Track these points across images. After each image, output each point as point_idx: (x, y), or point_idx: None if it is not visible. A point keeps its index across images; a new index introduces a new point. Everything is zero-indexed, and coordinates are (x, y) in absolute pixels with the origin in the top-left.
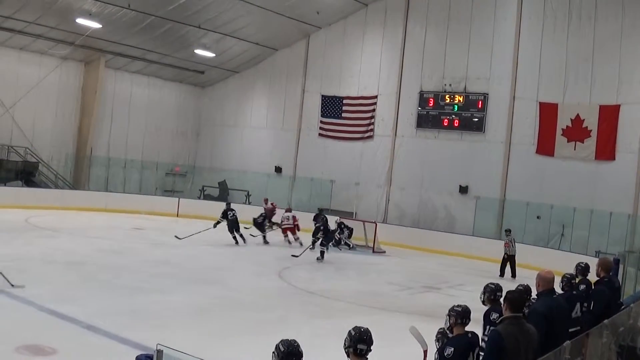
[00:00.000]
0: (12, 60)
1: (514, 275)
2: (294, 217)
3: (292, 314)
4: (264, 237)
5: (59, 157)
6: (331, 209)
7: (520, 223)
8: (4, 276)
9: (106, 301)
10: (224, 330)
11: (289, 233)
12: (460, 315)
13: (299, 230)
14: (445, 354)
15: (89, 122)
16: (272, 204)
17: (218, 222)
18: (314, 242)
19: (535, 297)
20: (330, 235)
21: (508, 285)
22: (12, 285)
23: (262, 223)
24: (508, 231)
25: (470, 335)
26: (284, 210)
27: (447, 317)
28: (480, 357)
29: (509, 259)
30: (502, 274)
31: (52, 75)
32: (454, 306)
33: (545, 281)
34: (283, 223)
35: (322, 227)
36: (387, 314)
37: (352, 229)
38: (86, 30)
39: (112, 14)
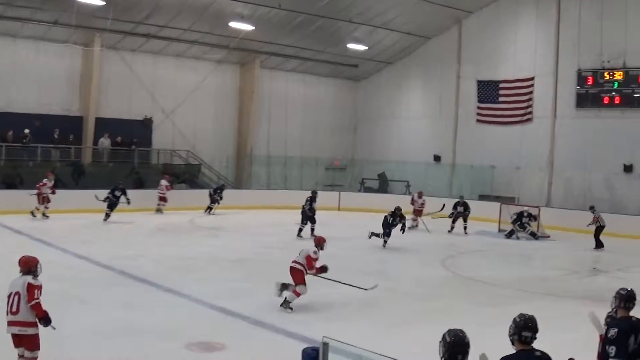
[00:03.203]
0: (170, 67)
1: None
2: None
3: (458, 302)
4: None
5: (220, 158)
6: (492, 195)
7: None
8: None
9: (273, 296)
10: (389, 321)
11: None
12: (624, 299)
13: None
14: (609, 335)
15: (248, 122)
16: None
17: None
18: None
19: None
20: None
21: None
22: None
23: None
24: (593, 207)
25: (634, 319)
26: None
27: (614, 299)
28: None
29: (599, 231)
30: (598, 245)
31: (209, 79)
32: (620, 289)
33: None
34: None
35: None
36: (555, 300)
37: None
38: (239, 33)
39: (263, 15)
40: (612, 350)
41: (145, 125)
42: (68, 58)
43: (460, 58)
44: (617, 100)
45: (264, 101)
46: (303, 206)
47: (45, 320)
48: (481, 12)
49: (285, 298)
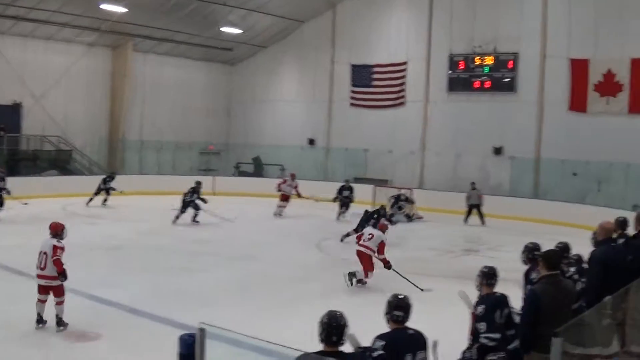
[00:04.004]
0: (40, 51)
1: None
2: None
3: (335, 285)
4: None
5: (92, 143)
6: (366, 177)
7: (556, 181)
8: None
9: (149, 283)
10: (267, 305)
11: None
12: (486, 276)
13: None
14: (478, 313)
15: (120, 106)
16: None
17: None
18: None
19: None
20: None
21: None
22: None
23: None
24: (474, 184)
25: (498, 294)
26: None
27: (477, 277)
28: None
29: (476, 207)
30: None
31: (81, 62)
32: (482, 267)
33: (604, 230)
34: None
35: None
36: (430, 279)
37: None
38: (112, 15)
39: None
40: (482, 326)
41: (14, 111)
42: None
43: (334, 42)
44: (487, 84)
45: (137, 85)
46: (185, 194)
47: (63, 275)
48: None
49: (355, 275)
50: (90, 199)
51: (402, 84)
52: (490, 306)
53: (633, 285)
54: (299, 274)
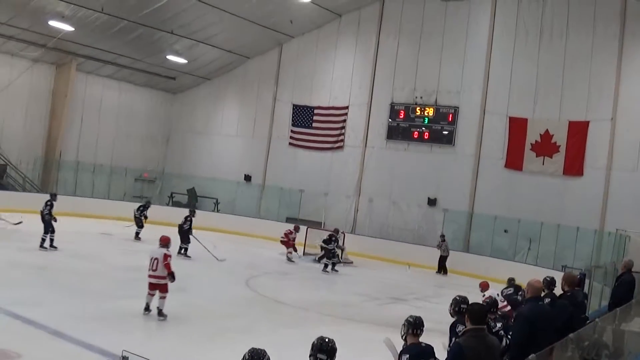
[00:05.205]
0: None
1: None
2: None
3: (261, 322)
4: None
5: (28, 160)
6: (300, 219)
7: (488, 236)
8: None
9: (73, 307)
10: (191, 337)
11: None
12: (412, 325)
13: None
14: None
15: (59, 125)
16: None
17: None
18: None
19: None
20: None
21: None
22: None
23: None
24: (443, 236)
25: (424, 345)
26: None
27: (402, 326)
28: None
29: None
30: (445, 271)
31: (23, 77)
32: (408, 317)
33: (533, 288)
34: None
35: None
36: (355, 325)
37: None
38: (58, 32)
39: (85, 17)
40: None
41: None
42: None
43: (278, 80)
44: (426, 135)
45: (77, 105)
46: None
47: (172, 275)
48: (302, 38)
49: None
50: (137, 234)
51: (342, 127)
52: (414, 356)
53: (557, 345)
54: (225, 309)
